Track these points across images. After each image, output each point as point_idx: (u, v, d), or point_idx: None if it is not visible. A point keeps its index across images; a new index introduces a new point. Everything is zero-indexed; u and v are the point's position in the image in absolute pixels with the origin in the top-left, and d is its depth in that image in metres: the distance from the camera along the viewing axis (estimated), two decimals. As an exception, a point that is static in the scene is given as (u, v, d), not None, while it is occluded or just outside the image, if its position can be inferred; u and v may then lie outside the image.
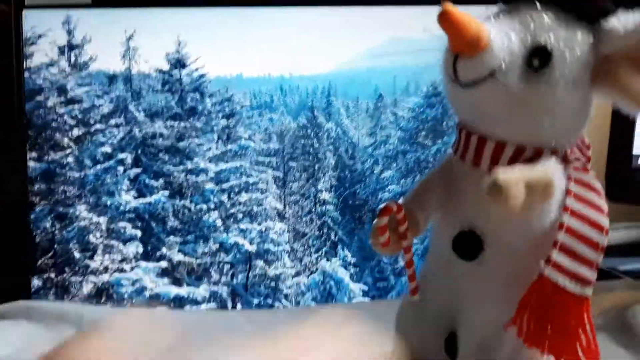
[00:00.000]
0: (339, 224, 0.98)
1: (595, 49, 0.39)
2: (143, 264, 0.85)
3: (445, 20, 0.35)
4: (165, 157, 0.91)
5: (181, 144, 0.91)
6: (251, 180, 0.94)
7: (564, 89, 0.38)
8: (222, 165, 0.93)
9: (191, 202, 0.91)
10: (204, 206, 0.92)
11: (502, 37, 0.37)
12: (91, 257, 0.85)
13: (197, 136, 0.91)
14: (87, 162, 0.87)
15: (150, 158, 0.90)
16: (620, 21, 0.39)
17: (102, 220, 0.86)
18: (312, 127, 0.99)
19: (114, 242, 0.86)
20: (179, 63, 0.90)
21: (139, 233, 0.87)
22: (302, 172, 0.98)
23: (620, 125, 0.84)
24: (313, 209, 0.98)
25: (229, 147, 0.94)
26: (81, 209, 0.86)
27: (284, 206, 0.96)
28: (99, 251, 0.86)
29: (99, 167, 0.87)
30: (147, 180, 0.90)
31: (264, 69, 0.88)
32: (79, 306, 0.71)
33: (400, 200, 0.45)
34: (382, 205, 0.43)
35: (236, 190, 0.94)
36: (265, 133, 0.95)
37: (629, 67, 0.38)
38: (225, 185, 0.94)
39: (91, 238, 0.86)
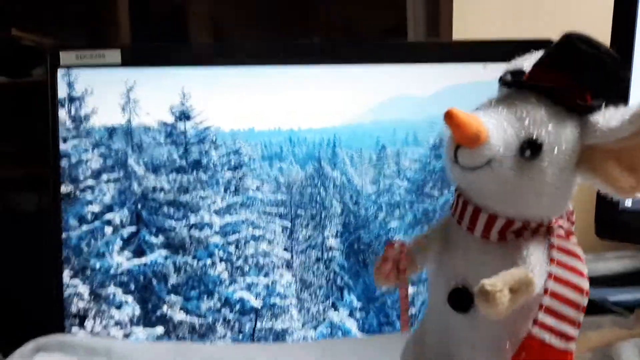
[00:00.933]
0: (344, 269, 1.06)
1: (580, 140, 0.44)
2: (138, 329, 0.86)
3: (450, 120, 0.40)
4: (167, 211, 0.91)
5: (185, 198, 0.92)
6: (257, 232, 0.97)
7: (551, 176, 0.43)
8: (228, 219, 0.95)
9: (194, 257, 0.92)
10: (209, 261, 0.93)
11: (499, 130, 0.42)
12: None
13: (202, 188, 0.93)
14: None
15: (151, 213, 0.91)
16: (605, 117, 0.44)
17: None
18: (319, 177, 1.04)
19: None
20: (184, 115, 0.92)
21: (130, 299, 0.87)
22: (310, 219, 1.02)
23: None
24: (320, 256, 1.01)
25: (235, 199, 0.96)
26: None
27: (292, 256, 0.99)
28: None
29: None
30: (147, 237, 0.91)
31: (274, 123, 0.96)
32: (108, 341, 0.76)
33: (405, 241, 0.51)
34: (389, 241, 0.49)
35: (243, 242, 0.96)
36: (274, 183, 0.99)
37: (611, 159, 0.44)
38: (231, 238, 0.95)
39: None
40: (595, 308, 0.84)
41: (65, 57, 0.85)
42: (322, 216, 1.06)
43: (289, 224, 1.03)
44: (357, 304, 0.99)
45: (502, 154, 0.43)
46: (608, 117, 0.44)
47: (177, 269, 0.92)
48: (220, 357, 0.71)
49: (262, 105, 0.93)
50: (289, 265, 0.99)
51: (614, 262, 1.01)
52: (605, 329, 0.74)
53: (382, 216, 1.06)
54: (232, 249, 0.96)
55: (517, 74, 0.47)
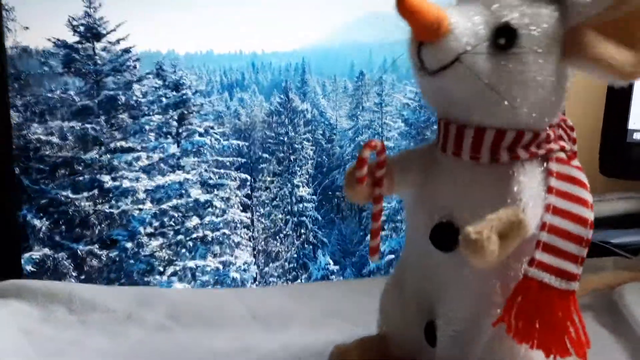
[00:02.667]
0: (318, 222, 1.02)
1: (562, 22, 0.42)
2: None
3: (402, 8, 0.38)
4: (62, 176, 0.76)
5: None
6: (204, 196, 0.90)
7: (533, 65, 0.41)
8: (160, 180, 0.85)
9: (106, 243, 0.80)
10: (129, 244, 0.82)
11: (464, 20, 0.40)
12: None
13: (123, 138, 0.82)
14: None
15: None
16: None
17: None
18: (287, 112, 1.02)
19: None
20: (91, 31, 0.79)
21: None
22: (276, 166, 0.99)
23: (616, 99, 0.89)
24: (289, 211, 0.99)
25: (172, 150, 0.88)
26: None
27: (252, 221, 0.95)
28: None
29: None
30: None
31: (234, 45, 0.93)
32: (69, 285, 0.75)
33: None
34: (367, 140, 0.46)
35: (183, 210, 0.86)
36: (230, 123, 0.95)
37: (596, 36, 0.42)
38: (165, 206, 0.85)
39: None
40: (597, 250, 0.82)
41: None
42: (291, 160, 1.03)
43: (248, 177, 0.98)
44: (333, 266, 0.99)
45: (472, 44, 0.40)
46: None
47: (79, 263, 0.82)
48: (187, 302, 0.70)
49: (220, 25, 0.89)
50: (249, 236, 0.95)
51: (618, 203, 1.00)
52: (606, 271, 0.73)
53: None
54: (166, 221, 0.88)
55: None
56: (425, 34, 0.40)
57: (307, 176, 1.02)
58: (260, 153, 0.99)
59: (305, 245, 0.98)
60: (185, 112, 0.92)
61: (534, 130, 0.44)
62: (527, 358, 0.44)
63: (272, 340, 0.61)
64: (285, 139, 1.02)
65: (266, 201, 0.96)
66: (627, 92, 0.89)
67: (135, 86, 0.84)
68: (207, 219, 0.91)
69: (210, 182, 0.94)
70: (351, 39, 0.96)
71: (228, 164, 0.95)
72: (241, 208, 0.96)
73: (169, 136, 0.89)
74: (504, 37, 0.41)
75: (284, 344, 0.60)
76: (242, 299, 0.70)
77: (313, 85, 1.06)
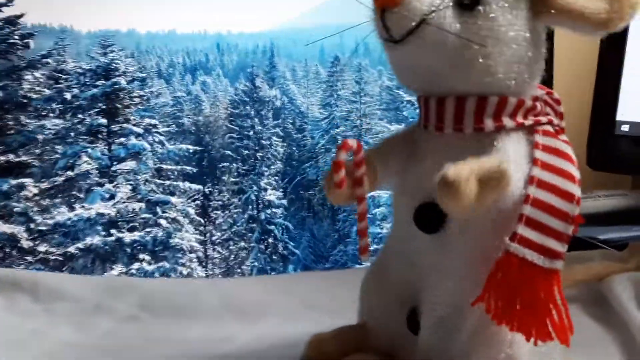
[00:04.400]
0: (288, 231, 1.05)
1: None
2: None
3: None
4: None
5: None
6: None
7: (502, 20, 0.43)
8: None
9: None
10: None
11: None
12: None
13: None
14: None
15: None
16: None
17: None
18: (253, 102, 1.08)
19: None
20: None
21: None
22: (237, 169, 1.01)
23: (604, 91, 0.94)
24: (253, 220, 1.02)
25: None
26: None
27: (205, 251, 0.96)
28: None
29: None
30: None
31: (198, 25, 1.00)
32: (34, 273, 0.77)
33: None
34: (342, 141, 0.47)
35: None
36: (180, 120, 0.97)
37: None
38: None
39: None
40: (583, 246, 0.86)
41: None
42: (258, 159, 1.04)
43: (200, 188, 0.97)
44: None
45: (437, 3, 0.42)
46: None
47: None
48: (159, 292, 0.72)
49: (184, 4, 0.92)
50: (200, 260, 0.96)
51: (605, 200, 1.04)
52: (594, 262, 0.76)
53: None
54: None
55: None
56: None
57: (276, 177, 1.05)
58: (220, 153, 1.01)
59: (274, 257, 0.99)
60: (118, 105, 0.92)
61: (517, 95, 0.46)
62: (513, 345, 0.45)
63: (247, 332, 0.63)
64: (251, 133, 1.05)
65: (224, 223, 0.98)
66: (615, 82, 0.94)
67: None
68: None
69: (151, 198, 0.94)
70: (321, 21, 1.00)
71: (175, 173, 0.96)
72: (192, 230, 0.96)
73: (94, 140, 0.89)
74: None
75: (259, 335, 0.62)
76: (216, 289, 0.72)
77: (282, 70, 1.11)
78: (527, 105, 0.46)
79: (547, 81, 0.95)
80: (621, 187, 1.11)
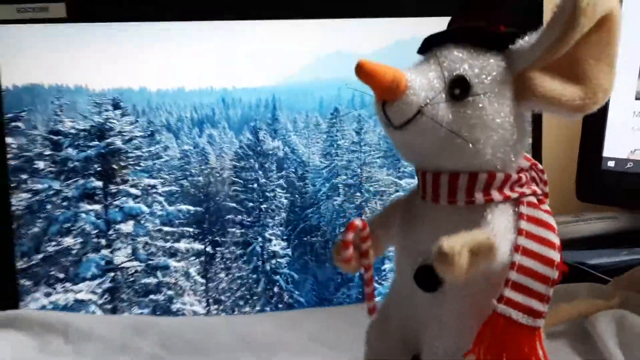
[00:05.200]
0: (293, 281, 1.02)
1: (510, 69, 0.49)
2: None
3: (361, 73, 0.46)
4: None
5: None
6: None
7: (489, 109, 0.48)
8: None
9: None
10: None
11: (420, 77, 0.48)
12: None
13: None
14: None
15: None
16: (525, 39, 0.50)
17: None
18: (256, 155, 1.04)
19: None
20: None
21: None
22: (240, 228, 0.98)
23: (591, 128, 1.00)
24: (259, 275, 0.98)
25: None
26: None
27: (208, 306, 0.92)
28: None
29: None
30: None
31: (205, 81, 1.00)
32: (65, 315, 0.80)
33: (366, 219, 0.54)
34: (349, 222, 0.52)
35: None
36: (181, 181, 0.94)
37: (542, 77, 0.49)
38: None
39: None
40: (572, 272, 0.90)
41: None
42: (262, 210, 1.05)
43: (201, 248, 0.97)
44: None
45: (431, 97, 0.48)
46: (528, 38, 0.50)
47: None
48: (180, 331, 0.75)
49: (191, 63, 0.97)
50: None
51: (595, 224, 1.09)
52: (579, 299, 0.80)
53: (338, 199, 1.08)
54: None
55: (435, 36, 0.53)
56: (387, 93, 0.47)
57: (281, 227, 1.04)
58: (223, 210, 1.00)
59: (279, 307, 0.99)
60: (115, 167, 0.92)
61: (504, 171, 0.51)
62: None
63: None
64: (255, 185, 1.05)
65: (227, 289, 0.95)
66: (602, 121, 0.99)
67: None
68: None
69: (151, 262, 0.94)
70: (320, 76, 1.03)
71: (176, 235, 0.94)
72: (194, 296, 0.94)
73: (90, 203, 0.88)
74: (458, 88, 0.48)
75: None
76: (231, 326, 0.75)
77: (284, 122, 1.10)
78: (513, 179, 0.51)
79: (537, 126, 0.99)
80: (611, 210, 1.16)
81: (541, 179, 0.55)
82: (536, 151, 1.01)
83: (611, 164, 1.00)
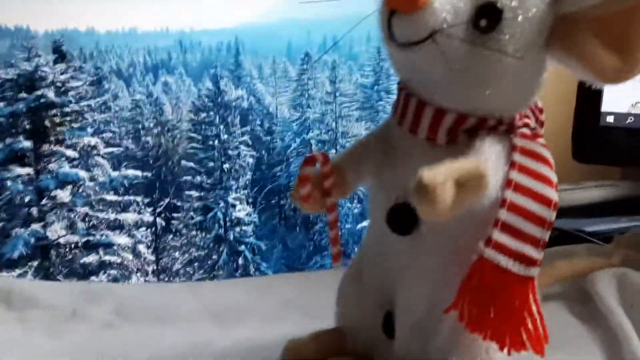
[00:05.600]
0: (260, 252, 1.06)
1: (554, 7, 0.45)
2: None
3: None
4: None
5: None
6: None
7: (512, 55, 0.44)
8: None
9: None
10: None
11: None
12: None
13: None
14: None
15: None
16: None
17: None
18: (217, 108, 1.09)
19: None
20: None
21: None
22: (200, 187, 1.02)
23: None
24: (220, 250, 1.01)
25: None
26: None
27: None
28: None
29: None
30: None
31: (160, 23, 1.04)
32: (8, 280, 0.84)
33: (332, 158, 0.51)
34: (307, 155, 0.49)
35: None
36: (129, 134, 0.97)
37: (585, 31, 0.45)
38: None
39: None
40: (570, 239, 0.91)
41: None
42: (224, 171, 1.05)
43: (152, 219, 0.97)
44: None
45: (450, 22, 0.43)
46: None
47: None
48: (137, 298, 0.75)
49: (145, 1, 0.96)
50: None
51: (593, 191, 1.10)
52: (578, 258, 0.80)
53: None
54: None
55: None
56: (401, 3, 0.42)
57: (246, 190, 1.05)
58: (179, 171, 1.00)
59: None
60: (48, 125, 0.90)
61: (499, 118, 0.47)
62: (489, 351, 0.48)
63: (225, 336, 0.67)
64: (216, 142, 1.07)
65: (183, 264, 0.97)
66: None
67: None
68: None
69: (92, 238, 0.94)
70: (288, 17, 1.04)
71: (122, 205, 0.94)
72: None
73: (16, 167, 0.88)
74: (486, 19, 0.43)
75: (238, 340, 0.66)
76: (194, 293, 0.75)
77: (248, 68, 1.13)
78: (505, 122, 0.48)
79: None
80: (610, 177, 1.16)
81: (537, 118, 0.51)
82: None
83: (610, 119, 1.00)
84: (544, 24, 0.45)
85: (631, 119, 0.98)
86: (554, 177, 0.47)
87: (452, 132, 0.47)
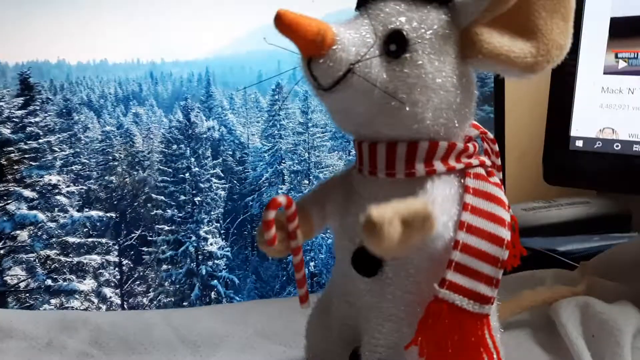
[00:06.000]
0: (234, 286, 1.02)
1: (454, 24, 0.49)
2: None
3: (281, 24, 0.43)
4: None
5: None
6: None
7: (429, 67, 0.47)
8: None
9: None
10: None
11: (349, 31, 0.47)
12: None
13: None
14: None
15: None
16: None
17: None
18: (188, 140, 1.02)
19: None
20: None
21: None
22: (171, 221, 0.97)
23: (558, 106, 1.01)
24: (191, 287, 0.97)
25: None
26: None
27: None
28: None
29: None
30: None
31: (131, 54, 0.99)
32: None
33: (295, 199, 0.53)
34: (271, 199, 0.50)
35: None
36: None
37: (489, 32, 0.48)
38: None
39: None
40: (542, 259, 0.96)
41: None
42: (196, 204, 1.04)
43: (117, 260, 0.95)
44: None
45: (362, 53, 0.46)
46: None
47: None
48: (112, 327, 0.76)
49: (116, 34, 0.96)
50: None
51: (567, 209, 1.15)
52: (544, 286, 0.82)
53: (283, 187, 1.08)
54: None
55: None
56: (311, 47, 0.45)
57: (218, 223, 1.03)
58: (148, 205, 0.97)
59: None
60: (3, 162, 0.85)
61: (448, 139, 0.50)
62: None
63: None
64: (187, 175, 1.03)
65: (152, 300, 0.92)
66: (569, 98, 1.03)
67: None
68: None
69: (53, 283, 0.89)
70: (257, 48, 1.03)
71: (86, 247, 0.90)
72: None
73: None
74: (394, 43, 0.47)
75: None
76: (169, 321, 0.77)
77: (219, 99, 1.11)
78: (458, 148, 0.50)
79: (499, 98, 1.03)
80: (585, 194, 1.21)
81: (492, 150, 0.55)
82: (499, 132, 1.06)
83: (579, 143, 1.02)
84: (450, 37, 0.49)
85: (599, 144, 1.01)
86: (506, 217, 0.49)
87: (409, 163, 0.50)
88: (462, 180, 0.50)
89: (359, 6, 0.51)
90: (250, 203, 1.08)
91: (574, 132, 1.03)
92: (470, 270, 0.47)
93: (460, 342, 0.47)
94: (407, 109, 0.48)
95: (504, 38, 0.48)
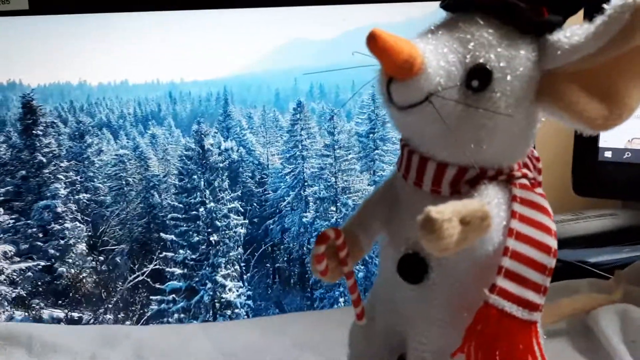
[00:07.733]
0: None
1: (540, 64, 0.49)
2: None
3: (374, 45, 0.44)
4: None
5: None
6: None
7: (505, 109, 0.48)
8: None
9: None
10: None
11: (438, 58, 0.47)
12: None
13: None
14: None
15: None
16: (566, 35, 0.49)
17: None
18: (202, 169, 1.03)
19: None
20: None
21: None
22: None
23: None
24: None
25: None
26: None
27: None
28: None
29: None
30: None
31: (151, 75, 1.04)
32: (29, 326, 0.86)
33: (341, 225, 0.56)
34: (320, 233, 0.53)
35: None
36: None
37: (570, 84, 0.49)
38: None
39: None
40: (573, 270, 0.99)
41: None
42: (212, 244, 1.02)
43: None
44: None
45: (444, 85, 0.48)
46: (570, 35, 0.49)
47: None
48: (153, 340, 0.81)
49: (137, 55, 1.00)
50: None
51: (595, 221, 1.18)
52: (580, 294, 0.86)
53: (308, 215, 1.09)
54: None
55: None
56: (397, 71, 0.46)
57: (237, 265, 1.02)
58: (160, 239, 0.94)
59: None
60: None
61: (499, 168, 0.52)
62: None
63: None
64: (202, 210, 1.03)
65: None
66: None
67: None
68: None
69: None
70: (274, 67, 1.06)
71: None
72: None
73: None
74: (477, 79, 0.48)
75: None
76: (209, 335, 0.82)
77: (237, 119, 1.14)
78: (504, 172, 0.52)
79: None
80: (611, 206, 1.25)
81: (535, 167, 0.56)
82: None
83: (608, 154, 1.08)
84: (532, 80, 0.50)
85: (628, 154, 1.06)
86: (552, 226, 0.51)
87: (455, 184, 0.52)
88: (509, 190, 0.52)
89: (447, 6, 0.52)
90: (271, 227, 1.09)
91: (602, 143, 1.07)
92: (520, 277, 0.49)
93: (509, 349, 0.49)
94: (472, 145, 0.50)
95: (582, 94, 0.49)
